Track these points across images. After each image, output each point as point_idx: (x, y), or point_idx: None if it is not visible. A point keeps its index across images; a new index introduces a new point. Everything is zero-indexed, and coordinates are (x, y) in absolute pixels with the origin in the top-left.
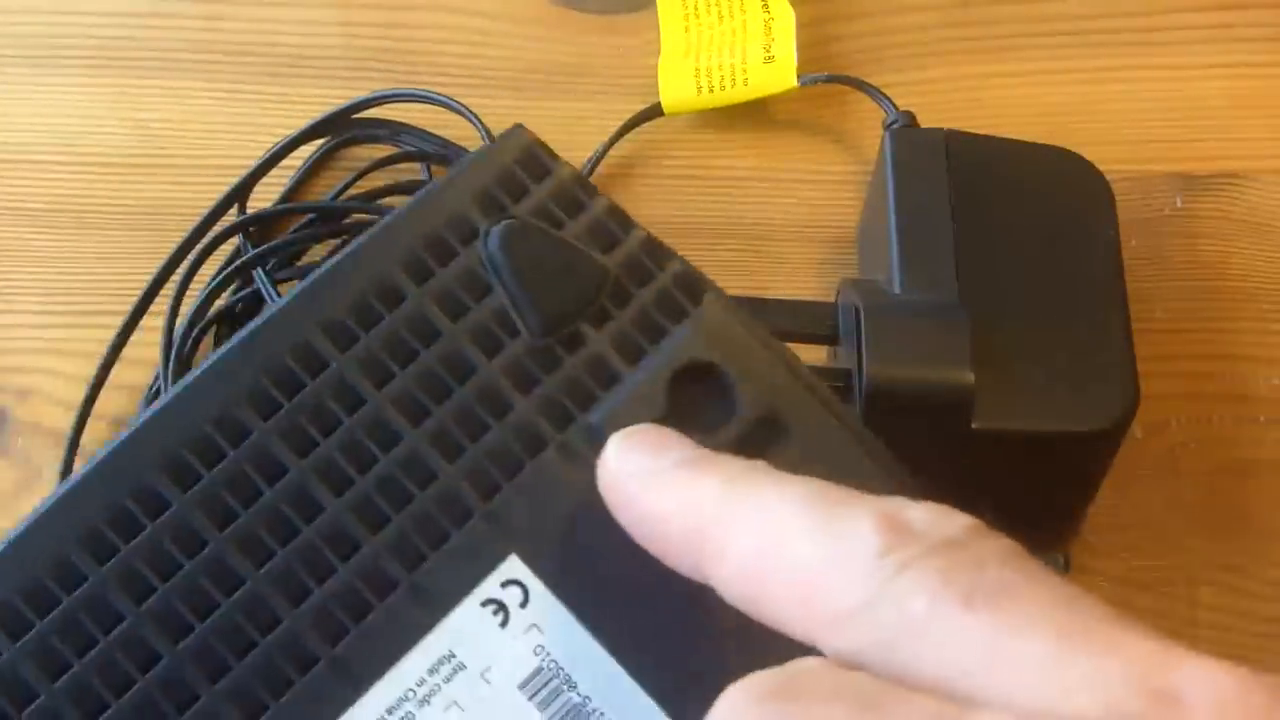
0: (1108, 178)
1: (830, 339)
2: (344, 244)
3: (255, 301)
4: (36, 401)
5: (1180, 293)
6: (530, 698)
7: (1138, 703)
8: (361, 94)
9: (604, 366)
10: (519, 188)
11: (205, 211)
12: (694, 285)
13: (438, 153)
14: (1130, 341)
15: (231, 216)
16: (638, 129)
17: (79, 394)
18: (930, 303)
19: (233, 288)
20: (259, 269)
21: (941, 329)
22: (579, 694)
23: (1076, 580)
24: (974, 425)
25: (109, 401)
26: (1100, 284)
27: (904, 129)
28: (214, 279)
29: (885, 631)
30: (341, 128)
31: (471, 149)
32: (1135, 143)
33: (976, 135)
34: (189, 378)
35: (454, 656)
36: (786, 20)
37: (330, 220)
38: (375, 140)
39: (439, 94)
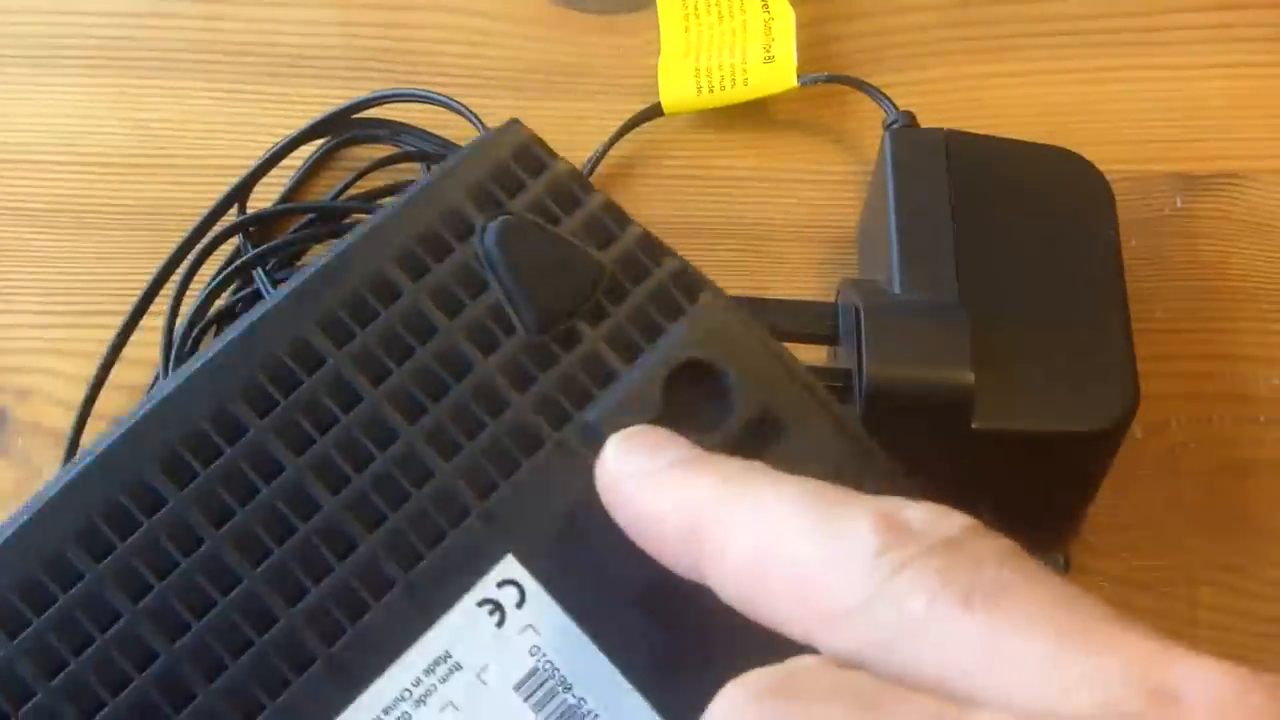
0: (1108, 178)
1: (830, 339)
2: None
3: (255, 301)
4: (36, 401)
5: (1180, 293)
6: (526, 699)
7: (1137, 702)
8: (361, 94)
9: (600, 364)
10: (515, 183)
11: (205, 211)
12: (690, 283)
13: (438, 153)
14: (1130, 341)
15: (231, 216)
16: (638, 129)
17: (79, 394)
18: (930, 303)
19: (233, 288)
20: (259, 269)
21: (941, 329)
22: (574, 695)
23: (1076, 580)
24: (974, 425)
25: (109, 401)
26: (1100, 284)
27: (904, 129)
28: (214, 279)
29: (884, 631)
30: (341, 128)
31: None
32: (1135, 143)
33: (976, 135)
34: (185, 373)
35: (450, 656)
36: (786, 20)
37: (330, 220)
38: (375, 140)
39: (439, 94)
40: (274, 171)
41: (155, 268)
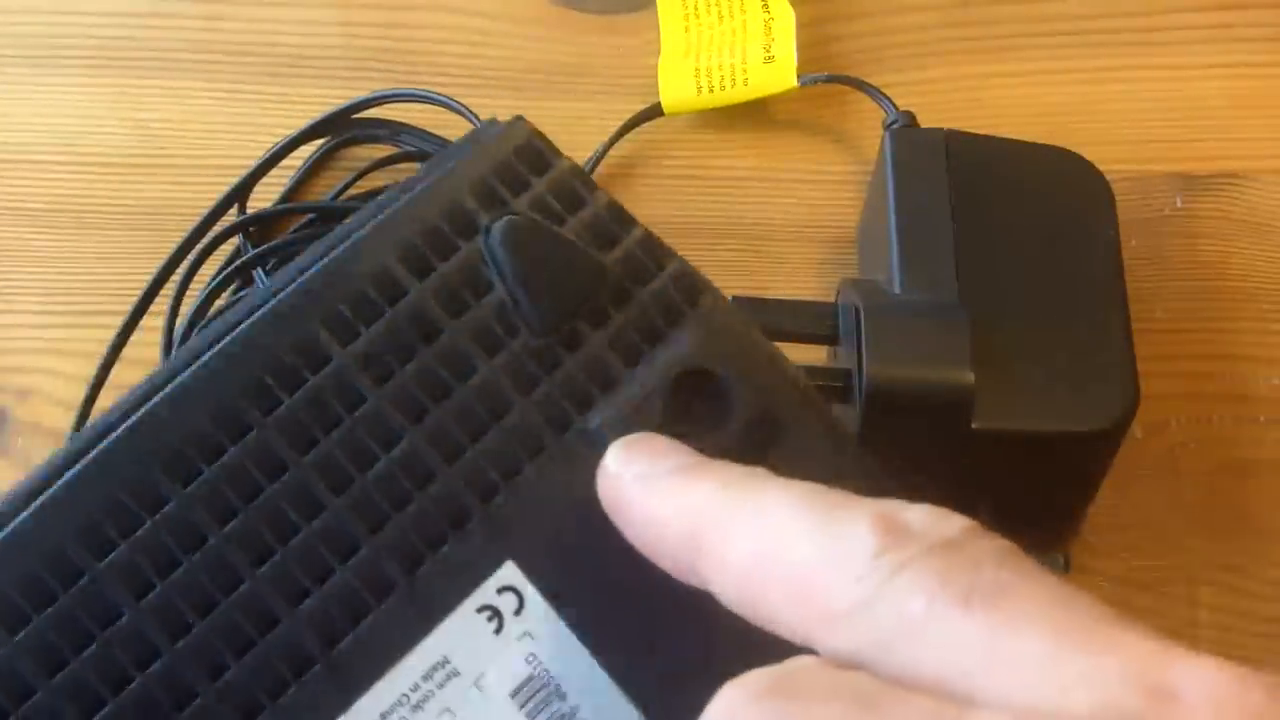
0: (1108, 178)
1: (830, 339)
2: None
3: None
4: (36, 401)
5: (1180, 293)
6: (520, 706)
7: (1136, 701)
8: (361, 94)
9: (602, 367)
10: (519, 180)
11: (205, 211)
12: (691, 286)
13: (437, 153)
14: (1130, 341)
15: (231, 216)
16: (638, 129)
17: (79, 394)
18: (930, 303)
19: (233, 288)
20: (259, 269)
21: (941, 329)
22: (568, 704)
23: (1076, 580)
24: (974, 425)
25: (109, 401)
26: (1100, 284)
27: (904, 129)
28: (214, 279)
29: (883, 631)
30: (341, 128)
31: None
32: (1135, 143)
33: (976, 135)
34: (189, 370)
35: (448, 662)
36: (786, 20)
37: (330, 220)
38: (375, 140)
39: (439, 94)
40: (274, 171)
41: (155, 268)
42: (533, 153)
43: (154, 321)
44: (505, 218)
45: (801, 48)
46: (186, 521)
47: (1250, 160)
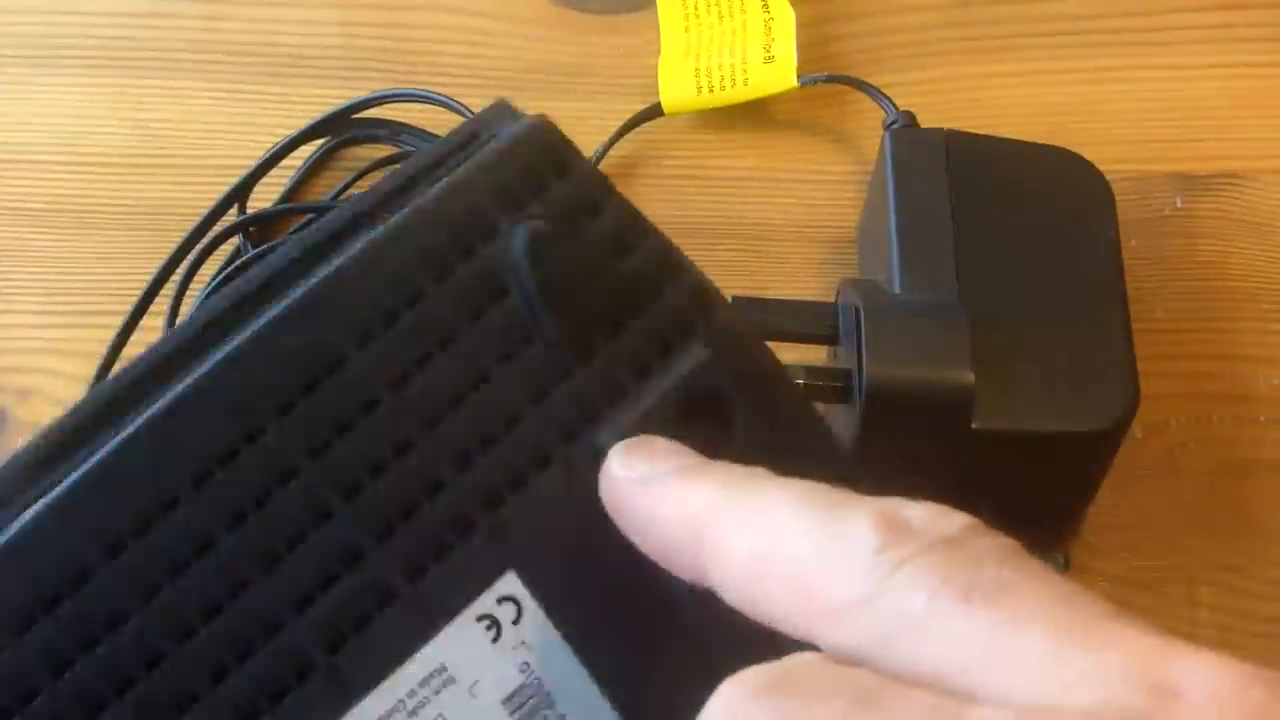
0: (1108, 178)
1: (830, 339)
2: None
3: None
4: (36, 401)
5: (1180, 293)
6: (511, 714)
7: (1137, 697)
8: (361, 94)
9: (613, 381)
10: (539, 184)
11: (205, 211)
12: (705, 299)
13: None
14: (1130, 341)
15: (231, 216)
16: (638, 129)
17: (79, 394)
18: (930, 303)
19: None
20: None
21: (941, 329)
22: (555, 713)
23: (1076, 580)
24: (974, 425)
25: None
26: (1100, 284)
27: (904, 129)
28: (214, 279)
29: (883, 627)
30: (341, 128)
31: None
32: (1135, 143)
33: (976, 135)
34: (199, 370)
35: (446, 670)
36: (786, 20)
37: None
38: (375, 140)
39: (439, 94)
40: (274, 171)
41: (155, 268)
42: (555, 155)
43: (154, 322)
44: (526, 224)
45: (801, 48)
46: (196, 524)
47: (1250, 160)
